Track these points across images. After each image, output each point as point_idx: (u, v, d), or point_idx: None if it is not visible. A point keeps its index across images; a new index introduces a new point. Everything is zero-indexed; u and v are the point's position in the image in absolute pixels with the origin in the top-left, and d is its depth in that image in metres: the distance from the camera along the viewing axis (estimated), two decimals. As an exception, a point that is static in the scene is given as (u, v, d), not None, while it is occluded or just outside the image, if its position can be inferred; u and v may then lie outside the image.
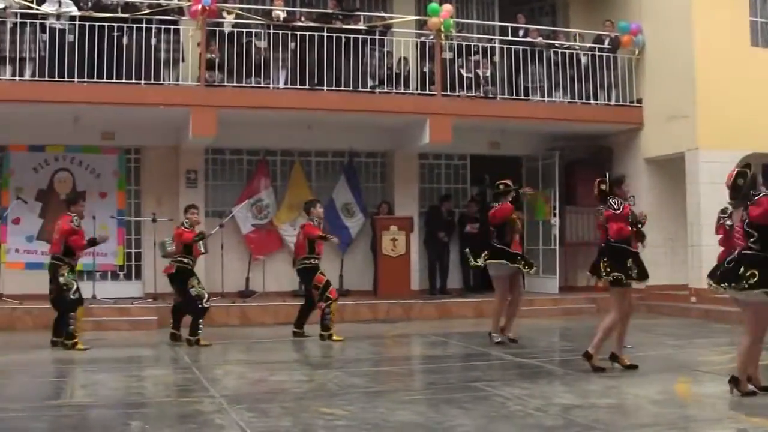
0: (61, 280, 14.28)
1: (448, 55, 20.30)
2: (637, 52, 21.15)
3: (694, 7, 19.55)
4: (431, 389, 10.85)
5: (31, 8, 17.82)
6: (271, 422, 8.63)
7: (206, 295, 15.21)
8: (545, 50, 20.81)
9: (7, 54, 17.61)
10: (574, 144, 22.13)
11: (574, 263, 21.57)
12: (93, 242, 15.26)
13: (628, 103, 21.13)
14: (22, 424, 8.62)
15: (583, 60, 20.97)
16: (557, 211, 21.33)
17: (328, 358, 14.15)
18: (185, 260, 15.20)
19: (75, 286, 14.39)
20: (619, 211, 11.54)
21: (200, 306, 15.01)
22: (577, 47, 21.25)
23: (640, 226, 11.87)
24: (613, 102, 21.22)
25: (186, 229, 15.25)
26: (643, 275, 11.75)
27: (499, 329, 14.65)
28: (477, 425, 8.38)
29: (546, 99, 20.64)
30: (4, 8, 17.56)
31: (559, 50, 20.95)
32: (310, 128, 20.27)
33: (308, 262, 15.64)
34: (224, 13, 18.88)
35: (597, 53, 21.09)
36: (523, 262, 14.58)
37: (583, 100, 20.84)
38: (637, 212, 12.03)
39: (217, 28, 18.91)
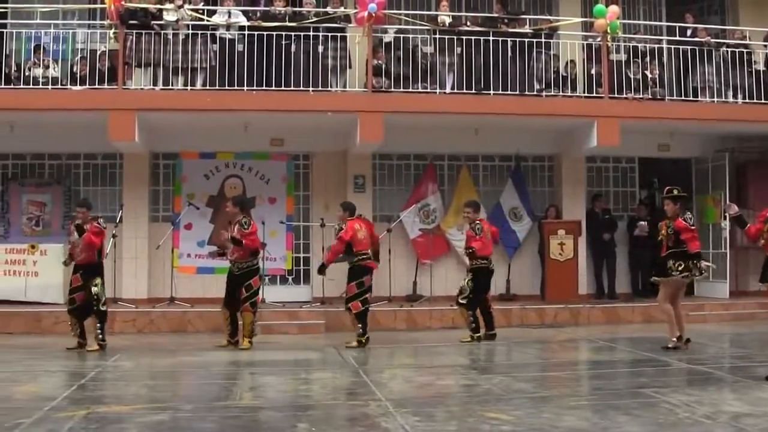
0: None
1: (615, 56, 20.07)
2: (810, 48, 20.55)
3: None
4: (598, 395, 10.69)
5: (202, 20, 18.32)
6: (437, 426, 8.65)
7: None
8: (714, 50, 20.35)
9: (180, 64, 18.18)
10: (745, 145, 21.56)
11: (745, 267, 20.98)
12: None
13: (802, 102, 20.48)
14: (193, 425, 8.84)
15: (754, 58, 20.41)
16: (727, 214, 20.77)
17: (494, 363, 14.16)
18: None
19: None
20: None
21: None
22: (743, 45, 20.69)
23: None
24: (786, 101, 20.60)
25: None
26: None
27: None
28: (644, 432, 8.29)
29: (716, 99, 20.15)
30: (177, 21, 18.13)
31: (729, 49, 20.47)
32: (477, 132, 20.26)
33: None
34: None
35: (768, 51, 20.57)
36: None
37: (755, 100, 20.26)
38: None
39: (383, 35, 19.10)
